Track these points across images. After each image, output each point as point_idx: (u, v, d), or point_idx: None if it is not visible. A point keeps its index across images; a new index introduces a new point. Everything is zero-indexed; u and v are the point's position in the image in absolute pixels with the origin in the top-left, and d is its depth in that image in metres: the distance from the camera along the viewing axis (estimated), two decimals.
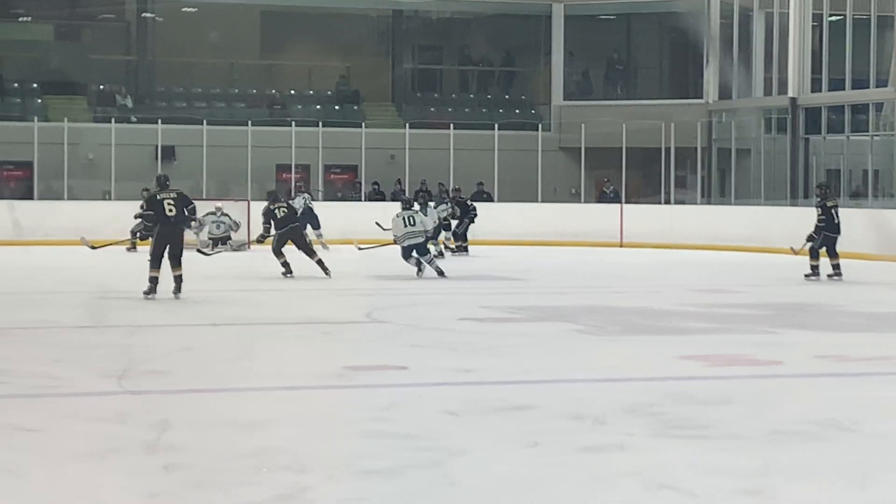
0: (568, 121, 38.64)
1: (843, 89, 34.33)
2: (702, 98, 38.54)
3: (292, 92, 40.64)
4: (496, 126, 36.87)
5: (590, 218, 34.46)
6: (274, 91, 40.42)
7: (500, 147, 36.18)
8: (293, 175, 35.72)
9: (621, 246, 32.89)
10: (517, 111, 40.89)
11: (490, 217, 34.02)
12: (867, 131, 34.05)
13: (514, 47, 42.36)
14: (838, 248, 22.07)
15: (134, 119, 37.20)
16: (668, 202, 35.42)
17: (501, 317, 15.70)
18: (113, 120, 35.50)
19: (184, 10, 40.10)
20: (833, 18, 35.16)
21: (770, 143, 36.51)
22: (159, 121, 35.39)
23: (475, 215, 30.06)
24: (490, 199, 35.77)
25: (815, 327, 14.85)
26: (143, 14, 40.37)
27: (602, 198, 36.58)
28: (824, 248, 21.92)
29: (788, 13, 35.40)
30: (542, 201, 35.60)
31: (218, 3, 39.37)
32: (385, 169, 36.93)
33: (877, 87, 33.35)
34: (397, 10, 41.06)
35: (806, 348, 12.61)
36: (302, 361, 11.75)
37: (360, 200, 36.09)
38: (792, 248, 23.72)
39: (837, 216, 22.15)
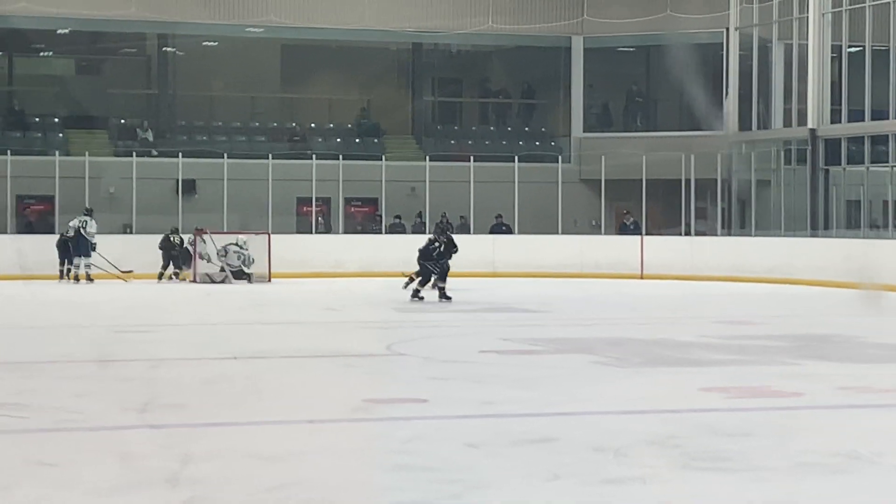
0: (588, 153, 38.68)
1: (863, 120, 34.31)
2: (721, 129, 38.54)
3: (313, 125, 40.74)
4: (516, 158, 36.92)
5: (610, 249, 34.44)
6: (294, 124, 40.54)
7: (520, 179, 36.22)
8: (314, 207, 35.84)
9: (642, 277, 32.85)
10: (537, 143, 40.94)
11: (511, 249, 34.12)
12: (887, 162, 33.98)
13: (534, 79, 42.44)
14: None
15: (155, 153, 37.32)
16: (688, 233, 35.39)
17: (522, 349, 15.68)
18: (134, 154, 35.66)
19: (204, 44, 40.28)
20: (852, 49, 35.16)
21: (790, 174, 36.47)
22: (180, 154, 35.54)
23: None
24: (510, 232, 35.82)
25: (837, 358, 14.80)
26: (164, 48, 40.54)
27: (622, 229, 36.55)
28: None
29: (807, 44, 35.43)
30: (563, 233, 35.59)
31: (238, 36, 39.51)
32: (406, 202, 36.97)
33: None
34: (417, 43, 41.16)
35: (828, 380, 12.57)
36: (323, 394, 11.75)
37: (381, 233, 36.10)
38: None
39: None
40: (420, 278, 25.19)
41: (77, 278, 30.54)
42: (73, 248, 30.72)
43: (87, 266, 30.73)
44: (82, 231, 30.67)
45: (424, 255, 25.23)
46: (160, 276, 31.32)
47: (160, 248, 31.59)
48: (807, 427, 9.89)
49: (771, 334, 17.80)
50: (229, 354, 15.13)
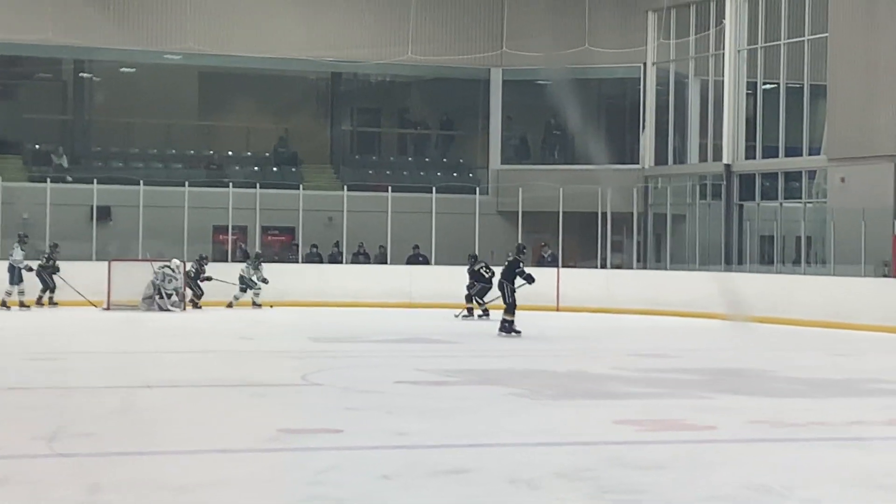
0: (505, 184, 38.84)
1: (777, 156, 34.75)
2: (638, 164, 38.86)
3: (230, 153, 40.57)
4: (434, 189, 36.99)
5: None
6: (212, 152, 40.35)
7: (437, 210, 36.28)
8: (230, 236, 35.70)
9: (558, 309, 32.96)
10: (455, 174, 41.04)
11: (428, 279, 34.15)
12: (800, 198, 34.40)
13: (453, 111, 42.57)
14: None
15: (70, 179, 36.97)
16: (604, 266, 35.59)
17: (438, 380, 15.67)
18: (48, 180, 35.30)
19: (121, 70, 40.01)
20: (767, 87, 35.61)
21: (705, 208, 36.83)
22: (95, 181, 35.24)
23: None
24: (427, 262, 35.83)
25: (749, 392, 14.91)
26: (81, 74, 40.26)
27: (539, 261, 36.66)
28: None
29: (723, 81, 35.85)
30: None
31: (156, 63, 39.31)
32: (323, 231, 36.89)
33: (810, 154, 33.76)
34: (336, 72, 41.17)
35: (740, 413, 12.66)
36: (236, 424, 11.67)
37: (298, 262, 35.98)
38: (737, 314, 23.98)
39: None
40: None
41: (6, 305, 30.41)
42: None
43: (8, 293, 30.49)
44: (10, 258, 30.50)
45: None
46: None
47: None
48: (719, 460, 9.94)
49: (684, 367, 17.91)
50: (142, 383, 14.98)
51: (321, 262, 35.75)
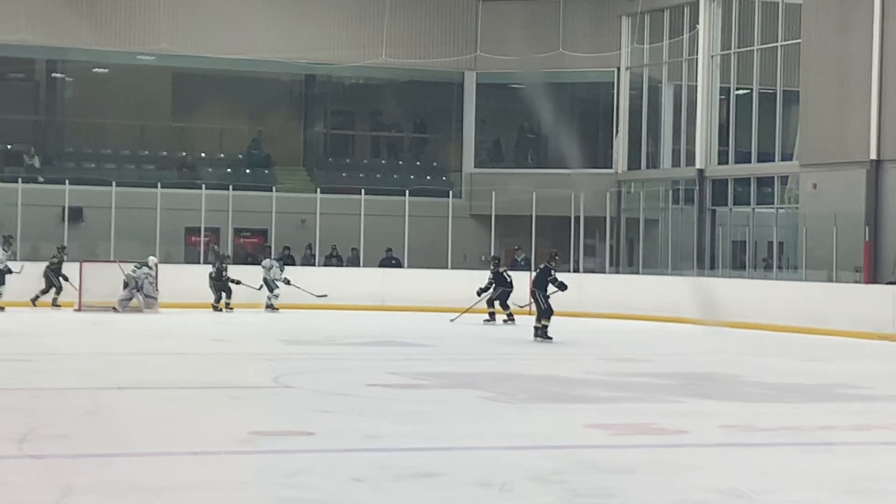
0: (479, 188, 38.87)
1: (750, 162, 34.86)
2: (611, 168, 38.93)
3: (203, 154, 40.50)
4: (407, 192, 37.00)
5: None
6: (185, 153, 40.27)
7: (410, 213, 36.28)
8: (202, 237, 35.62)
9: (530, 313, 32.94)
10: (428, 178, 41.03)
11: (400, 283, 34.13)
12: (773, 204, 34.50)
13: (427, 114, 42.58)
14: None
15: (41, 179, 36.84)
16: (576, 270, 35.62)
17: (409, 383, 15.68)
18: (20, 180, 35.16)
19: (94, 70, 39.91)
20: (740, 92, 35.73)
21: (678, 213, 36.92)
22: (67, 182, 35.12)
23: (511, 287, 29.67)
24: (400, 266, 35.84)
25: (719, 397, 14.95)
26: (53, 74, 40.13)
27: (512, 265, 36.67)
28: None
29: (696, 86, 35.94)
30: (452, 268, 35.67)
31: (129, 64, 39.21)
32: (295, 233, 36.85)
33: (782, 160, 33.88)
34: (310, 74, 41.15)
35: (711, 418, 12.69)
36: (208, 426, 11.65)
37: None
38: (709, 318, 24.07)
39: None
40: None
41: None
42: None
43: None
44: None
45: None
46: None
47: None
48: (689, 464, 9.97)
49: (656, 372, 17.95)
50: (113, 385, 14.94)
51: (294, 264, 35.71)
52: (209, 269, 32.33)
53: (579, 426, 11.85)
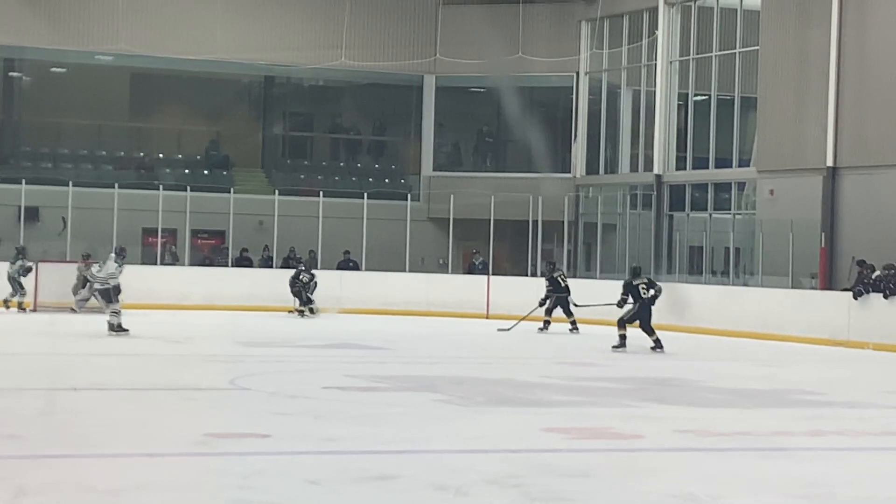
0: (437, 191, 38.88)
1: (707, 168, 35.00)
2: (570, 172, 39.01)
3: (161, 155, 40.33)
4: (365, 195, 36.97)
5: (457, 289, 34.60)
6: (142, 154, 40.10)
7: (368, 216, 36.25)
8: (160, 238, 35.47)
9: (488, 317, 33.01)
10: (387, 180, 41.01)
11: (358, 285, 34.09)
12: (730, 209, 34.65)
13: (385, 117, 42.57)
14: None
15: None
16: (534, 274, 35.65)
17: (366, 385, 15.66)
18: None
19: (52, 69, 39.67)
20: (698, 98, 35.87)
21: (635, 218, 37.03)
22: (23, 181, 34.91)
23: (567, 292, 29.11)
24: (357, 268, 35.82)
25: (675, 402, 15.01)
26: (10, 73, 39.87)
27: (470, 269, 36.73)
28: None
29: (655, 91, 36.06)
30: (410, 271, 35.67)
31: (87, 63, 39.00)
32: (253, 235, 36.75)
33: (739, 166, 34.02)
34: (269, 76, 41.06)
35: (667, 422, 12.74)
36: (163, 428, 11.60)
37: (227, 266, 35.81)
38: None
39: None
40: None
41: None
42: None
43: None
44: None
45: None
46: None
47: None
48: (646, 469, 10.00)
49: (612, 376, 17.99)
50: (68, 385, 14.86)
51: (251, 266, 35.62)
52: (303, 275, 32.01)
53: (536, 430, 11.87)
